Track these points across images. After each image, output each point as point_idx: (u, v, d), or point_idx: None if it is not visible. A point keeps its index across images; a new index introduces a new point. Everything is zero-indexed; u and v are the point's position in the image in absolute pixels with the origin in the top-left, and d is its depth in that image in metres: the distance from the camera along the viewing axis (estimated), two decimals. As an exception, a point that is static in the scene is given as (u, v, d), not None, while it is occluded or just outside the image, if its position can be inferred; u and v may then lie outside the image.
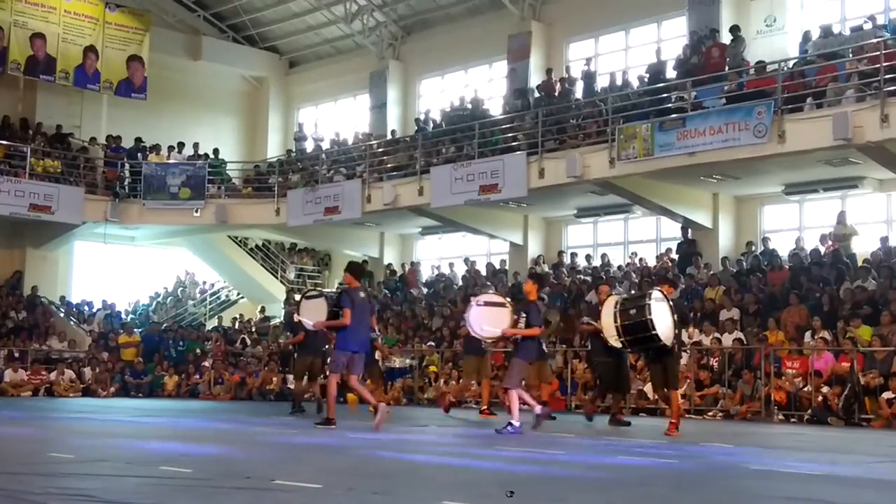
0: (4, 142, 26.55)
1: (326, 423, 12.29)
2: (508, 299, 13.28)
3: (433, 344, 22.03)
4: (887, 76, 16.72)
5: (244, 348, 25.83)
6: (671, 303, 12.24)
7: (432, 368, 21.20)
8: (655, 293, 12.25)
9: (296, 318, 14.46)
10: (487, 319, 12.66)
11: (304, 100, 33.42)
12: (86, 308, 28.45)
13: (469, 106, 26.00)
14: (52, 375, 22.88)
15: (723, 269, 20.69)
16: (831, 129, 16.93)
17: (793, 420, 15.80)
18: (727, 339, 17.67)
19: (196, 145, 29.29)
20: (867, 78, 17.46)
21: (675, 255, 22.21)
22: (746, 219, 22.16)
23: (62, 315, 27.11)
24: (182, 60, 31.17)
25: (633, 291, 18.04)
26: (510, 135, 23.15)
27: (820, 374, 15.92)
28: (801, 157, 18.17)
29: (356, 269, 12.89)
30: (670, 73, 21.90)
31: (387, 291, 26.72)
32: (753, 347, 17.19)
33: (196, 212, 27.14)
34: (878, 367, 15.48)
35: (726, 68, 20.48)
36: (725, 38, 21.26)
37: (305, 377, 16.09)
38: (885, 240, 19.31)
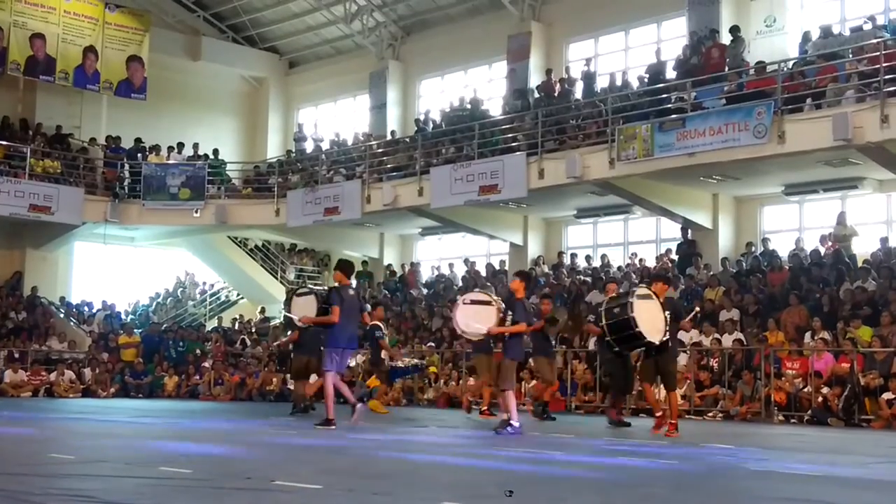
0: (4, 142, 26.55)
1: (326, 423, 12.30)
2: (495, 297, 13.31)
3: (433, 345, 22.03)
4: (887, 76, 16.72)
5: (244, 349, 25.82)
6: (662, 300, 12.20)
7: (432, 369, 21.19)
8: (639, 290, 12.29)
9: (285, 312, 14.50)
10: (474, 318, 12.68)
11: (303, 100, 33.43)
12: (86, 309, 28.45)
13: (469, 106, 26.01)
14: (52, 376, 22.87)
15: (723, 270, 20.69)
16: (831, 129, 16.93)
17: (793, 421, 15.80)
18: (727, 340, 17.67)
19: (196, 146, 29.29)
20: (867, 78, 17.46)
21: (674, 256, 22.22)
22: (746, 219, 22.17)
23: (62, 316, 27.11)
24: (182, 61, 31.18)
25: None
26: (510, 135, 23.15)
27: (820, 375, 15.92)
28: (801, 158, 18.17)
29: (346, 268, 13.03)
30: (670, 74, 21.90)
31: (387, 292, 26.72)
32: (753, 348, 17.19)
33: (196, 212, 27.14)
34: (878, 368, 15.48)
35: (726, 69, 20.48)
36: (725, 38, 21.26)
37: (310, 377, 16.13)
38: (885, 240, 19.32)
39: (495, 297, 13.13)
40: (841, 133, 16.79)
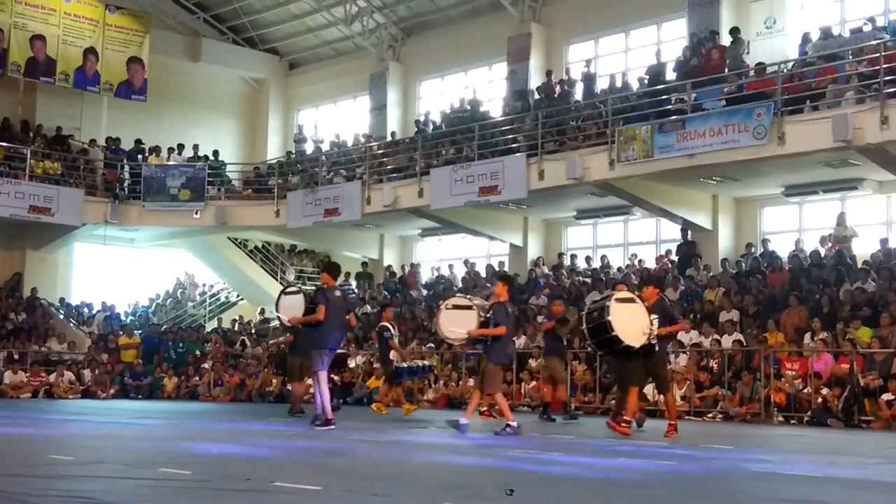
0: (4, 143, 26.56)
1: (325, 423, 12.31)
2: (476, 301, 13.34)
3: (433, 345, 22.03)
4: (887, 78, 16.72)
5: (244, 350, 25.82)
6: (652, 304, 12.15)
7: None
8: (619, 294, 12.30)
9: (277, 314, 14.56)
10: (455, 322, 12.73)
11: (303, 101, 33.43)
12: (85, 310, 28.44)
13: (469, 107, 26.02)
14: (52, 377, 22.88)
15: (722, 271, 20.69)
16: (831, 130, 16.93)
17: (792, 422, 15.80)
18: (727, 341, 17.67)
19: (196, 147, 29.29)
20: (867, 80, 17.46)
21: (674, 257, 22.22)
22: (746, 220, 22.17)
23: (62, 317, 27.12)
24: (182, 62, 31.19)
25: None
26: (510, 136, 23.16)
27: (819, 376, 15.92)
28: (801, 159, 18.17)
29: (332, 269, 13.25)
30: (670, 75, 21.91)
31: (387, 293, 26.72)
32: (753, 349, 17.18)
33: (196, 213, 27.14)
34: (877, 369, 15.48)
35: (726, 70, 20.49)
36: (725, 39, 21.26)
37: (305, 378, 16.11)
38: (884, 241, 19.31)
39: (476, 302, 13.20)
40: (841, 134, 16.79)
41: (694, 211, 21.67)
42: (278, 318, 14.42)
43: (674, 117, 19.42)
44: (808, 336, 17.02)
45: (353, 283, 28.53)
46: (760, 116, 17.78)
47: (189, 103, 31.53)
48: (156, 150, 28.64)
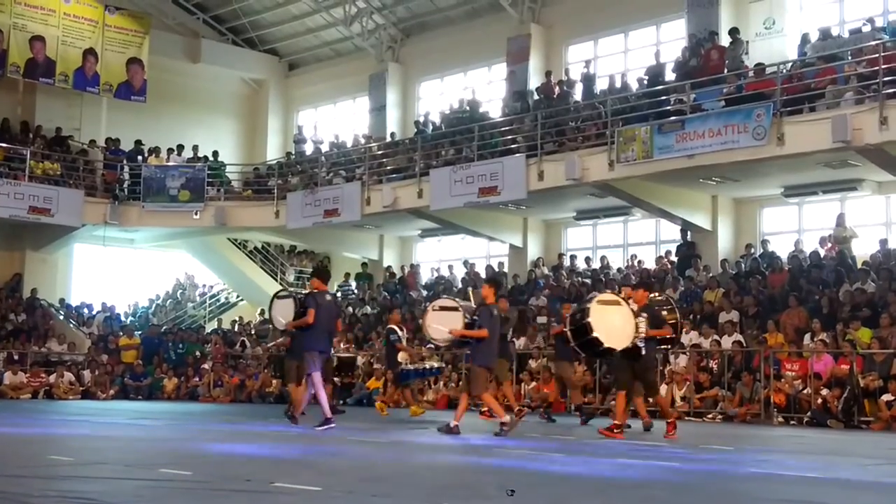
0: (4, 144, 26.55)
1: (325, 422, 12.35)
2: (462, 303, 13.39)
3: (433, 346, 22.00)
4: (886, 78, 16.73)
5: (244, 351, 25.82)
6: (640, 307, 12.13)
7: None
8: (601, 296, 12.30)
9: (274, 316, 14.67)
10: (442, 323, 12.80)
11: (303, 102, 33.44)
12: (85, 310, 28.45)
13: (468, 108, 26.03)
14: (52, 378, 22.88)
15: (722, 272, 20.69)
16: (830, 131, 16.93)
17: (792, 422, 15.80)
18: (726, 342, 17.68)
19: (195, 148, 29.29)
20: (866, 80, 17.47)
21: (674, 258, 22.22)
22: (746, 221, 22.17)
23: (62, 317, 27.12)
24: (181, 63, 31.19)
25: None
26: (509, 137, 23.16)
27: (819, 377, 15.93)
28: (800, 160, 18.18)
29: (322, 274, 13.45)
30: (669, 76, 21.91)
31: (386, 294, 26.72)
32: (753, 350, 17.19)
33: (195, 214, 27.14)
34: (877, 370, 15.49)
35: (725, 71, 20.49)
36: (724, 40, 21.27)
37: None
38: (884, 242, 19.31)
39: (462, 303, 13.25)
40: (840, 135, 16.80)
41: (693, 212, 21.68)
42: (272, 321, 14.60)
43: (673, 118, 19.43)
44: (807, 337, 17.03)
45: (353, 284, 28.54)
46: (760, 117, 17.79)
47: (188, 104, 31.54)
48: (155, 150, 28.65)
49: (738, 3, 22.38)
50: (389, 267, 28.45)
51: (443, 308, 13.53)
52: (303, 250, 31.63)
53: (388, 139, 27.88)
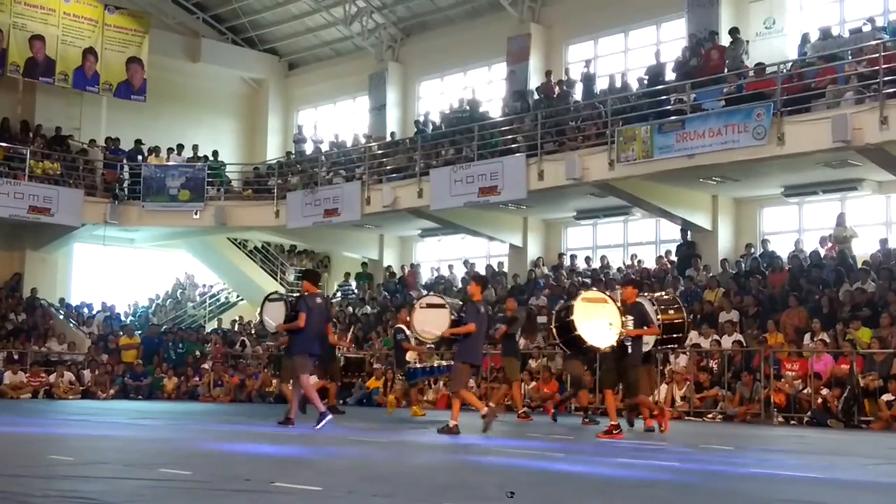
0: (4, 144, 26.55)
1: (321, 418, 12.51)
2: (448, 300, 13.42)
3: (433, 346, 22.01)
4: (886, 78, 16.73)
5: (243, 350, 25.82)
6: (628, 305, 12.09)
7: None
8: (587, 293, 12.29)
9: (266, 319, 14.72)
10: (429, 320, 12.81)
11: (303, 102, 33.44)
12: (85, 310, 28.44)
13: (468, 108, 26.03)
14: (52, 377, 22.86)
15: (722, 272, 20.68)
16: (830, 131, 16.93)
17: (792, 422, 15.80)
18: (726, 342, 17.67)
19: (195, 147, 29.30)
20: (866, 80, 17.47)
21: (674, 257, 22.22)
22: (746, 221, 22.17)
23: (61, 317, 27.11)
24: (181, 62, 31.19)
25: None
26: (509, 137, 23.17)
27: (819, 377, 15.92)
28: (801, 160, 18.18)
29: (313, 277, 13.57)
30: (669, 76, 21.91)
31: (386, 293, 26.72)
32: (753, 349, 17.18)
33: (195, 214, 27.14)
34: (877, 369, 15.48)
35: (725, 70, 20.49)
36: (724, 40, 21.27)
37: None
38: (884, 242, 19.31)
39: (449, 301, 13.27)
40: (840, 135, 16.79)
41: (693, 211, 21.68)
42: (263, 324, 14.70)
43: (673, 118, 19.42)
44: (807, 336, 17.03)
45: (353, 284, 28.55)
46: (760, 117, 17.78)
47: (188, 103, 31.54)
48: (155, 150, 28.64)
49: (739, 3, 22.38)
50: (389, 267, 28.45)
51: (430, 305, 13.58)
52: (303, 250, 31.63)
53: (388, 139, 27.88)
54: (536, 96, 24.88)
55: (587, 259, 24.07)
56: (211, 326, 29.51)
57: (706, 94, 19.83)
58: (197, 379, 24.00)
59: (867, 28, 19.50)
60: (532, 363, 19.48)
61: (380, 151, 26.58)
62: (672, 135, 18.98)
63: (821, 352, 16.33)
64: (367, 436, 11.87)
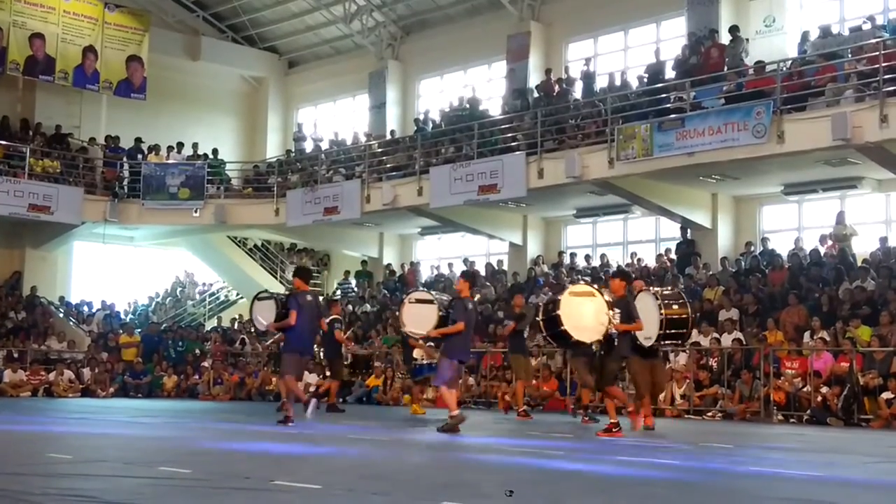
0: (4, 142, 26.56)
1: (306, 406, 12.73)
2: (437, 296, 13.45)
3: (432, 344, 21.97)
4: (886, 76, 16.73)
5: (243, 348, 25.82)
6: (615, 299, 12.05)
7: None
8: (575, 287, 12.28)
9: (257, 318, 14.74)
10: (418, 316, 12.84)
11: (303, 100, 33.43)
12: (85, 308, 28.45)
13: (468, 106, 26.02)
14: (52, 376, 22.87)
15: (722, 270, 20.69)
16: (830, 129, 16.93)
17: (792, 420, 15.80)
18: (726, 340, 17.67)
19: (195, 145, 29.30)
20: (866, 78, 17.46)
21: (674, 256, 22.22)
22: (745, 219, 22.17)
23: (61, 315, 27.12)
24: (181, 61, 31.18)
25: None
26: (509, 135, 23.16)
27: (819, 375, 15.92)
28: (800, 158, 18.18)
29: (304, 275, 13.58)
30: (669, 74, 21.90)
31: (386, 292, 26.72)
32: (752, 348, 17.18)
33: (195, 212, 27.15)
34: (877, 368, 15.48)
35: (725, 68, 20.48)
36: (724, 38, 21.26)
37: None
38: (884, 240, 19.32)
39: (437, 297, 13.28)
40: (840, 133, 16.79)
41: (693, 209, 21.67)
42: (254, 323, 14.73)
43: (673, 116, 19.42)
44: (807, 335, 17.02)
45: (353, 282, 28.55)
46: (760, 115, 17.78)
47: (188, 102, 31.53)
48: (155, 148, 28.63)
49: (739, 1, 22.37)
50: (389, 265, 28.45)
51: (419, 301, 13.60)
52: (303, 248, 31.63)
53: (388, 137, 27.88)
54: (536, 94, 24.87)
55: (587, 257, 24.06)
56: (211, 325, 29.52)
57: (706, 92, 19.83)
58: (197, 377, 24.01)
59: (867, 26, 19.50)
60: (532, 361, 19.45)
61: (380, 150, 26.58)
62: (672, 133, 18.97)
63: (820, 350, 16.33)
64: (366, 434, 11.87)
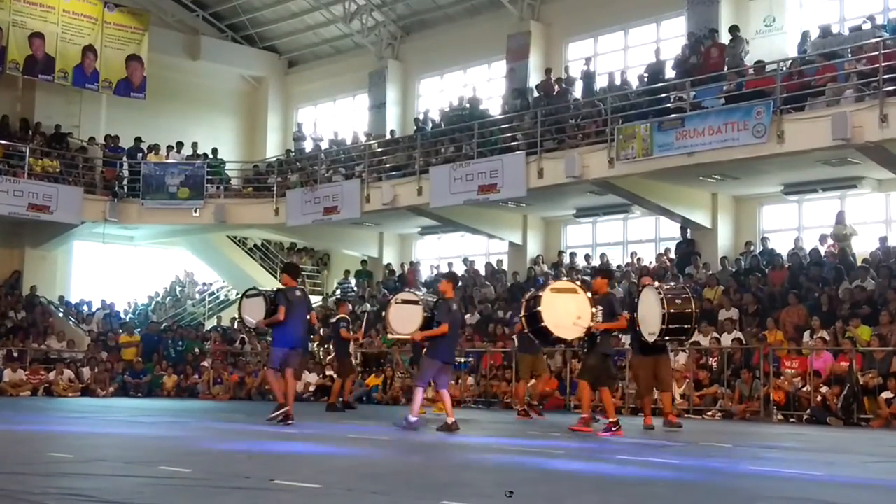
0: (3, 142, 26.54)
1: (284, 418, 12.76)
2: (423, 297, 13.49)
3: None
4: (886, 76, 16.73)
5: (243, 348, 25.82)
6: (598, 296, 12.04)
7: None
8: (557, 283, 12.26)
9: (245, 317, 14.75)
10: (403, 317, 12.86)
11: (303, 99, 33.43)
12: (85, 308, 28.45)
13: (468, 106, 26.02)
14: (51, 375, 22.87)
15: (722, 269, 20.69)
16: (830, 129, 16.93)
17: (792, 420, 15.80)
18: (726, 339, 17.67)
19: (195, 145, 29.29)
20: (866, 78, 17.46)
21: (674, 255, 22.22)
22: (745, 219, 22.17)
23: (61, 315, 27.11)
24: (181, 60, 31.18)
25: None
26: (509, 135, 23.16)
27: (819, 374, 15.93)
28: (800, 157, 18.18)
29: (292, 270, 13.65)
30: (669, 74, 21.90)
31: (386, 291, 26.69)
32: (752, 347, 17.18)
33: (195, 211, 27.15)
34: (876, 367, 15.49)
35: (725, 68, 20.48)
36: (724, 38, 21.26)
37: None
38: (884, 240, 19.32)
39: (423, 297, 13.31)
40: (840, 132, 16.79)
41: (693, 209, 21.68)
42: (242, 321, 14.77)
43: (673, 115, 19.41)
44: (807, 334, 17.02)
45: (353, 282, 28.54)
46: (760, 115, 17.78)
47: (188, 101, 31.52)
48: (155, 147, 28.62)
49: (739, 1, 22.38)
50: (389, 264, 28.45)
51: (405, 301, 13.64)
52: (302, 248, 31.64)
53: (388, 136, 27.88)
54: (536, 94, 24.86)
55: (587, 257, 24.05)
56: (210, 324, 29.51)
57: (706, 91, 19.83)
58: (196, 377, 24.01)
59: (867, 26, 19.50)
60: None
61: (379, 149, 26.58)
62: (672, 133, 18.97)
63: (820, 349, 16.33)
64: (366, 433, 11.87)
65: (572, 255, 24.46)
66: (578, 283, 12.65)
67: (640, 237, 24.45)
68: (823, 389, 15.67)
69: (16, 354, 23.82)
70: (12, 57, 27.00)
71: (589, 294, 12.14)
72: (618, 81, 23.01)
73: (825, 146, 17.37)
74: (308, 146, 30.11)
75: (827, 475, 8.02)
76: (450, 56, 28.38)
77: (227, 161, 29.78)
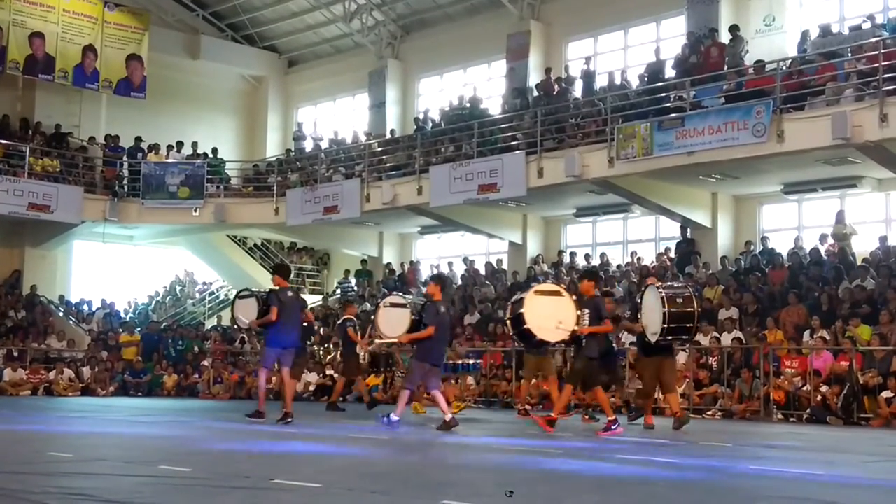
0: (3, 141, 26.54)
1: (256, 415, 12.91)
2: (410, 300, 13.53)
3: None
4: (886, 75, 16.72)
5: (243, 347, 25.82)
6: (584, 299, 11.98)
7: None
8: (541, 286, 12.28)
9: (239, 317, 14.78)
10: (392, 320, 12.90)
11: (303, 99, 33.43)
12: (85, 307, 28.45)
13: (468, 105, 26.02)
14: (51, 375, 22.87)
15: (722, 269, 20.69)
16: (830, 128, 16.93)
17: (792, 419, 15.80)
18: (726, 339, 17.67)
19: (195, 144, 29.29)
20: (866, 77, 17.46)
21: (673, 255, 22.22)
22: (745, 218, 22.17)
23: (61, 314, 27.11)
24: (181, 60, 31.17)
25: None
26: (509, 134, 23.16)
27: (819, 374, 15.93)
28: (800, 157, 18.17)
29: (283, 271, 13.70)
30: (669, 73, 21.90)
31: (386, 291, 26.70)
32: (752, 347, 17.18)
33: (195, 211, 27.15)
34: (876, 367, 15.48)
35: (725, 68, 20.48)
36: (724, 37, 21.26)
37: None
38: (883, 239, 19.32)
39: (410, 300, 13.34)
40: (840, 132, 16.79)
41: (693, 208, 21.68)
42: (236, 322, 14.82)
43: (673, 115, 19.41)
44: (807, 334, 17.02)
45: (353, 281, 28.55)
46: (759, 114, 17.78)
47: (188, 101, 31.52)
48: (155, 147, 28.63)
49: (738, 0, 22.37)
50: (389, 264, 28.45)
51: (393, 305, 13.70)
52: (302, 247, 31.64)
53: (388, 136, 27.88)
54: (536, 93, 24.86)
55: (587, 256, 24.06)
56: (210, 323, 29.50)
57: (706, 91, 19.83)
58: (196, 376, 24.01)
59: (867, 25, 19.49)
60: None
61: (379, 149, 26.58)
62: (672, 132, 18.97)
63: (820, 349, 16.33)
64: (366, 433, 11.87)
65: (572, 254, 24.47)
66: (563, 285, 12.63)
67: (640, 237, 24.46)
68: (823, 389, 15.67)
69: (16, 354, 23.82)
70: (12, 56, 27.00)
71: (574, 297, 12.13)
72: (618, 81, 23.01)
73: (825, 145, 17.37)
74: (308, 146, 30.11)
75: (827, 475, 8.03)
76: (450, 55, 28.38)
77: (227, 160, 29.78)
